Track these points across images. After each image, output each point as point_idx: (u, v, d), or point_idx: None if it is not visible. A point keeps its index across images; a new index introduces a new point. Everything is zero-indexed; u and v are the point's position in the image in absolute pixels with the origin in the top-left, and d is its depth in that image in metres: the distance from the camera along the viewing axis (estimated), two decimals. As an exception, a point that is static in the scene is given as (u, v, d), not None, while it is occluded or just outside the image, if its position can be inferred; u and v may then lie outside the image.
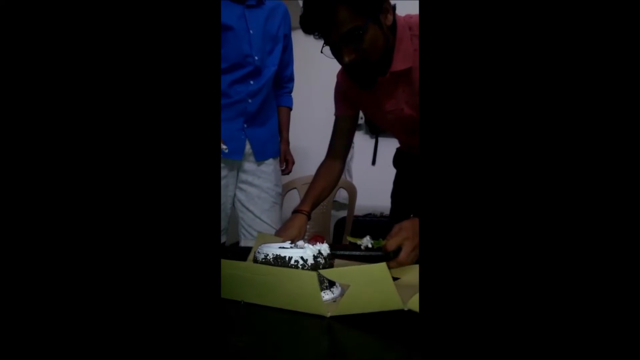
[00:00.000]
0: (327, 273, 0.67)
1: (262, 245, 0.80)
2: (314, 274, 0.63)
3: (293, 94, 1.65)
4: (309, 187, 1.17)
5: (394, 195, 1.36)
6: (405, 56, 0.97)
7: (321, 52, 0.95)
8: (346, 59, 0.91)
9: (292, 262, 0.71)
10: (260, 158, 1.45)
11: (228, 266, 0.68)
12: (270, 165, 1.50)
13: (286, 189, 2.17)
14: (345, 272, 0.66)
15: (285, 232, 1.05)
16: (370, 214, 2.48)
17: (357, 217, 2.33)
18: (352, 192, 2.18)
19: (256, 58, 1.35)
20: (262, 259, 0.75)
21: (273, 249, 0.75)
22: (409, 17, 1.01)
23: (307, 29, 0.92)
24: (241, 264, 0.68)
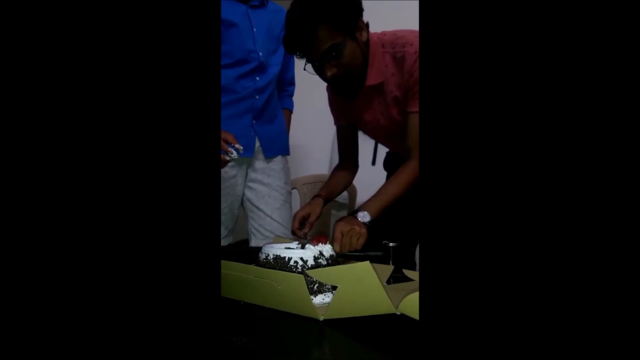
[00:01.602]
0: (313, 273, 0.67)
1: (266, 245, 0.80)
2: (301, 276, 0.62)
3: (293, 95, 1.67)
4: (325, 182, 1.32)
5: None
6: (378, 71, 1.06)
7: (304, 69, 1.03)
8: (328, 74, 0.99)
9: (292, 262, 0.71)
10: (269, 154, 1.46)
11: (225, 267, 0.68)
12: (280, 163, 1.50)
13: (286, 188, 2.17)
14: (330, 271, 0.66)
15: (300, 211, 1.16)
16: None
17: (357, 217, 2.33)
18: (352, 192, 2.18)
19: (260, 54, 1.37)
20: (263, 259, 0.75)
21: (275, 249, 0.75)
22: (382, 34, 1.08)
23: (290, 49, 1.01)
24: (235, 264, 0.68)
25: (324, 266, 0.73)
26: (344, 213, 2.26)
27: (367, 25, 1.04)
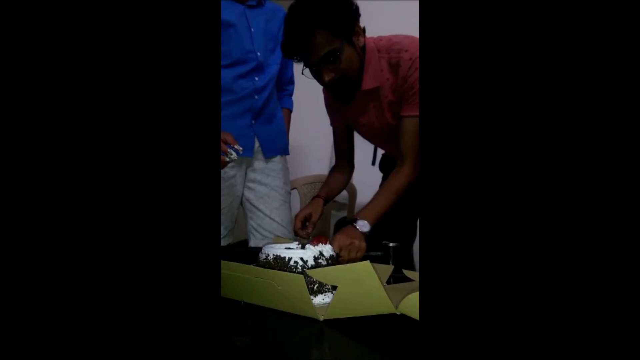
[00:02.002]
0: (313, 273, 0.67)
1: (266, 246, 0.80)
2: (301, 276, 0.62)
3: (293, 94, 1.66)
4: (323, 183, 1.32)
5: None
6: (374, 76, 1.07)
7: (302, 73, 1.04)
8: (326, 79, 1.00)
9: (292, 262, 0.71)
10: (268, 154, 1.46)
11: (225, 267, 0.68)
12: (279, 164, 1.50)
13: (286, 188, 2.16)
14: (330, 271, 0.66)
15: (302, 212, 1.16)
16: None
17: (357, 216, 2.33)
18: (352, 192, 2.18)
19: (258, 54, 1.37)
20: (263, 259, 0.75)
21: (275, 250, 0.75)
22: (378, 39, 1.09)
23: (288, 54, 1.02)
24: (235, 264, 0.68)
25: (324, 266, 0.73)
26: (343, 213, 2.27)
27: (363, 30, 1.06)
